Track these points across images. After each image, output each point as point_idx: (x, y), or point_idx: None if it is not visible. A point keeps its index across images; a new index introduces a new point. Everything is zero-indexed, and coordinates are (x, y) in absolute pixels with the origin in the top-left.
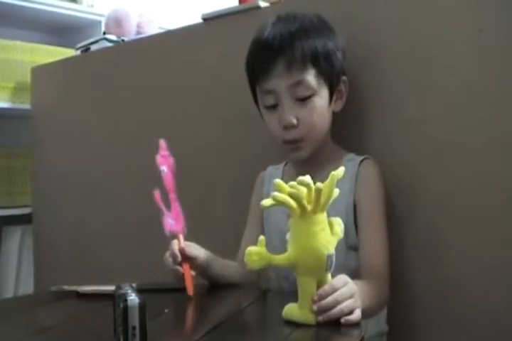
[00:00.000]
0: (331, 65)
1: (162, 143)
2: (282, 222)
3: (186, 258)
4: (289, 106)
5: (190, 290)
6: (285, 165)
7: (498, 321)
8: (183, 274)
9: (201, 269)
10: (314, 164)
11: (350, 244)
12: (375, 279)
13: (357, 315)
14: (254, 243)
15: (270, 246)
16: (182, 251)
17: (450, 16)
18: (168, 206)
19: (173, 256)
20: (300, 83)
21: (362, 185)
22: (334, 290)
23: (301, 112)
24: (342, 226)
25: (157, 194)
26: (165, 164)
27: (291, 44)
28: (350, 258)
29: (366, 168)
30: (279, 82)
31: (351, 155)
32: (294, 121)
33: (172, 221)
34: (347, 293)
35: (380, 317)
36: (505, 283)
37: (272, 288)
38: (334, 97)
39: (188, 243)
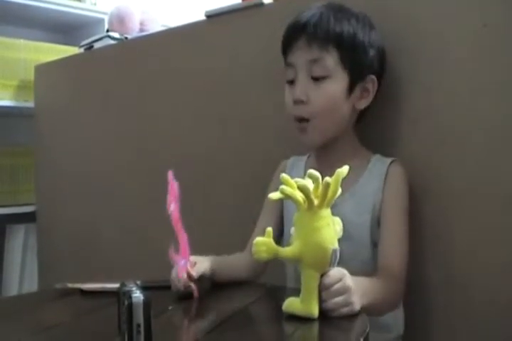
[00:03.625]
0: (357, 57)
1: (170, 174)
2: None
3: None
4: (303, 81)
5: (196, 293)
6: (308, 157)
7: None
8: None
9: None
10: (335, 159)
11: (375, 242)
12: (388, 278)
13: (349, 309)
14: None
15: (287, 236)
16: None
17: (454, 12)
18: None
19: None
20: (317, 61)
21: (390, 185)
22: (325, 288)
23: (312, 91)
24: (341, 225)
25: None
26: (173, 201)
27: (318, 22)
28: (376, 255)
29: (396, 170)
30: (299, 55)
31: (378, 156)
32: (303, 97)
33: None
34: (337, 291)
35: (398, 320)
36: None
37: (289, 283)
38: (357, 92)
39: (193, 259)
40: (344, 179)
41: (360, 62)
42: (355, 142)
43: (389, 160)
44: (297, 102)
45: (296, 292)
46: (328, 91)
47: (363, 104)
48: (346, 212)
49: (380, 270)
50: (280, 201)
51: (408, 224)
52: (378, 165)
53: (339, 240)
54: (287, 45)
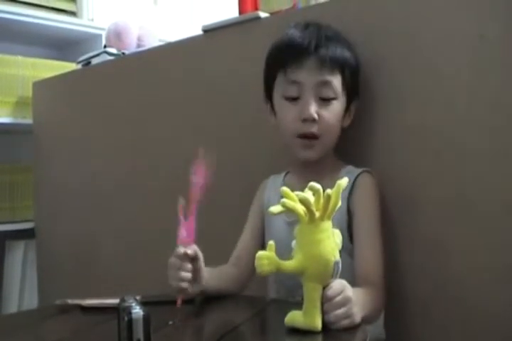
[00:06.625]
0: (355, 79)
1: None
2: (283, 231)
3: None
4: (313, 101)
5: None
6: (286, 174)
7: (500, 323)
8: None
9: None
10: (315, 174)
11: (344, 248)
12: (370, 288)
13: (350, 321)
14: (249, 247)
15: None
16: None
17: (450, 23)
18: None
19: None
20: (328, 83)
21: (359, 196)
22: (327, 300)
23: (321, 111)
24: (340, 237)
25: (182, 203)
26: (200, 175)
27: (326, 44)
28: (344, 261)
29: (363, 181)
30: (309, 76)
31: (350, 167)
32: (316, 115)
33: (185, 232)
34: (339, 303)
35: (377, 323)
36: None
37: (270, 293)
38: (348, 111)
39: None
40: None
41: (357, 84)
42: (332, 154)
43: (358, 171)
44: (308, 120)
45: (298, 305)
46: (335, 112)
47: (347, 122)
48: None
49: (360, 280)
50: (260, 220)
51: (381, 232)
52: (347, 177)
53: None
54: (292, 61)
